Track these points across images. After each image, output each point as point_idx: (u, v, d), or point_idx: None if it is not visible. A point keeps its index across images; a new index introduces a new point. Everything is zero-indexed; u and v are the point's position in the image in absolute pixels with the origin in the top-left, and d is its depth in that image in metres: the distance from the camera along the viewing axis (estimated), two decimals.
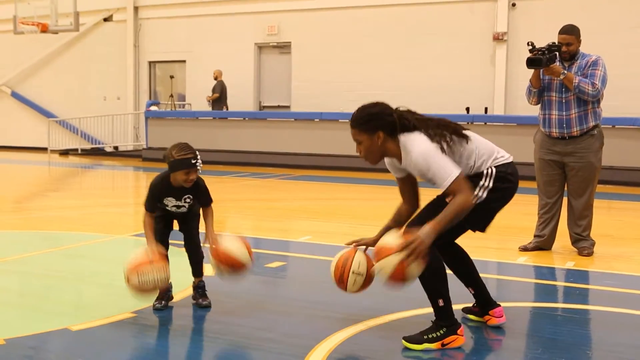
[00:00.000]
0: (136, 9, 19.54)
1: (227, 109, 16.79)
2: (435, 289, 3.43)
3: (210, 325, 3.83)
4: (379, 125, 3.40)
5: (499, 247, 6.15)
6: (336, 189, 11.57)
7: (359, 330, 3.73)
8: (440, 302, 3.43)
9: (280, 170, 14.31)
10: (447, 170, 3.29)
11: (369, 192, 10.99)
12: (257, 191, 11.05)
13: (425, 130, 3.42)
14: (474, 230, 3.65)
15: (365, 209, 8.95)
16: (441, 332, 3.43)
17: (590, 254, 5.81)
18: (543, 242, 5.97)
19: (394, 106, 3.53)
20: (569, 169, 5.78)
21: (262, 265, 5.43)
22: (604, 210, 8.21)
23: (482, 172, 3.49)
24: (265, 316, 3.98)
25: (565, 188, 5.93)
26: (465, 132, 3.53)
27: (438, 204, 3.46)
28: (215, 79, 16.95)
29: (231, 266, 3.89)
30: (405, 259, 3.21)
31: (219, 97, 16.78)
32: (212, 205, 4.16)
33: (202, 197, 4.11)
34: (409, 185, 3.71)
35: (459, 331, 3.46)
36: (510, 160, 3.58)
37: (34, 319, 3.93)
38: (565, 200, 5.95)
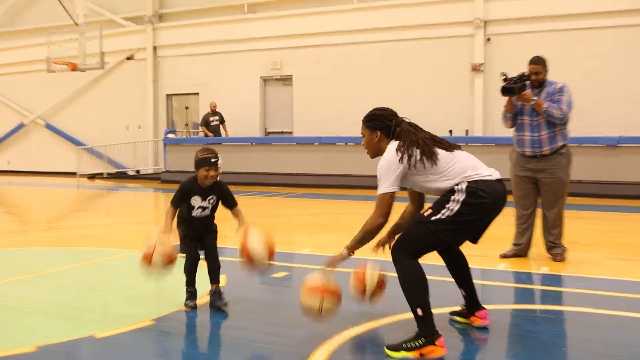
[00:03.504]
0: (155, 48, 19.62)
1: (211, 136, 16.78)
2: (414, 298, 3.30)
3: (224, 330, 3.79)
4: (378, 125, 3.57)
5: (482, 254, 6.11)
6: (335, 205, 11.54)
7: (359, 332, 3.68)
8: (419, 312, 3.28)
9: (284, 189, 14.28)
10: (384, 184, 3.39)
11: (363, 207, 10.89)
12: (264, 208, 11.01)
13: (402, 142, 3.46)
14: (453, 245, 3.55)
15: (359, 223, 8.88)
16: (420, 341, 3.27)
17: (562, 260, 5.78)
18: (521, 250, 5.94)
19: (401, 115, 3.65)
20: (542, 184, 5.76)
21: (269, 275, 5.39)
22: (573, 220, 8.17)
23: (453, 186, 3.39)
24: (273, 321, 3.94)
25: (539, 201, 5.90)
26: (438, 152, 3.44)
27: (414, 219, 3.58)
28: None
29: (249, 263, 3.94)
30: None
31: (207, 128, 16.79)
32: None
33: (226, 198, 4.26)
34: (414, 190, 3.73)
35: (437, 342, 3.27)
36: (486, 177, 3.42)
37: (64, 327, 3.89)
38: (539, 211, 5.92)
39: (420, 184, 3.50)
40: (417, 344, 3.27)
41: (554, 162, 5.70)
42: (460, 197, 3.36)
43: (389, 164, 3.42)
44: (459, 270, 3.80)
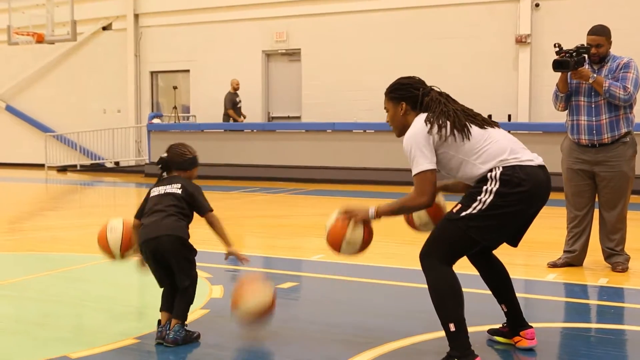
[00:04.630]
0: (137, 16, 19.69)
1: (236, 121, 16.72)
2: (445, 312, 3.34)
3: (218, 351, 3.81)
4: (403, 96, 3.64)
5: (526, 263, 6.11)
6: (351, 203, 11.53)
7: (377, 354, 3.70)
8: (452, 327, 3.31)
9: (291, 184, 14.32)
10: (419, 162, 3.45)
11: None
12: (266, 207, 11.05)
13: (431, 114, 3.52)
14: (488, 245, 3.56)
15: (381, 224, 8.90)
16: None
17: (624, 270, 5.76)
18: (573, 258, 5.93)
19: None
20: (600, 179, 5.75)
21: (274, 286, 5.42)
22: (638, 223, 8.13)
23: (486, 174, 3.43)
24: (278, 340, 3.96)
25: (596, 199, 5.88)
26: (472, 129, 3.50)
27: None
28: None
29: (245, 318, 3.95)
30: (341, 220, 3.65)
31: (234, 110, 16.61)
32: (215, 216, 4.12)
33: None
34: None
35: None
36: (526, 162, 3.44)
37: (31, 346, 3.93)
38: (596, 212, 5.90)
39: (450, 165, 3.54)
40: None
41: (616, 153, 5.68)
42: (493, 186, 3.38)
43: (417, 137, 3.47)
44: (498, 281, 3.79)
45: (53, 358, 3.66)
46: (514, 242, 3.65)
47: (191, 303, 3.95)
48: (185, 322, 3.93)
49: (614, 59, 5.73)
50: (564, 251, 5.98)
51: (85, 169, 19.53)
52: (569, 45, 5.82)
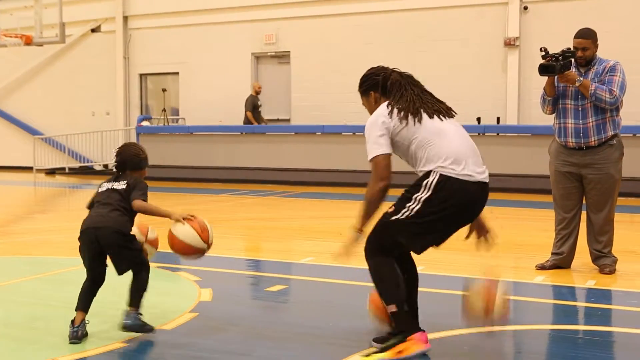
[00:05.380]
0: (125, 18, 19.65)
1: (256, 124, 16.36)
2: (384, 295, 3.56)
3: (207, 354, 3.82)
4: (370, 85, 3.78)
5: (515, 265, 6.14)
6: (340, 206, 11.57)
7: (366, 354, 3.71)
8: (393, 308, 3.51)
9: (280, 187, 14.31)
10: (375, 147, 3.56)
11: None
12: (256, 210, 11.05)
13: (392, 98, 3.62)
14: (410, 249, 3.65)
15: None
16: (395, 340, 3.52)
17: (612, 272, 5.80)
18: (561, 260, 5.96)
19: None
20: (587, 181, 5.78)
21: (262, 289, 5.43)
22: (626, 225, 8.19)
23: (426, 176, 3.50)
24: (266, 344, 3.97)
25: (584, 202, 5.92)
26: (425, 119, 3.56)
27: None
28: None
29: (185, 254, 4.08)
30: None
31: (252, 115, 16.30)
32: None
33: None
34: None
35: (415, 336, 3.48)
36: (463, 177, 3.46)
37: (19, 350, 3.92)
38: (584, 214, 5.94)
39: (407, 152, 3.60)
40: (391, 342, 3.52)
41: (603, 156, 5.71)
42: (425, 193, 3.47)
43: (375, 120, 3.58)
44: (411, 286, 3.76)
45: None
46: (437, 244, 3.66)
47: (144, 290, 4.09)
48: (140, 311, 4.05)
49: (600, 62, 5.77)
50: (552, 253, 6.01)
51: (74, 171, 19.46)
52: (556, 48, 5.85)
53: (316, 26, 17.18)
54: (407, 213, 3.49)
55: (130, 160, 4.27)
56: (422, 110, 3.58)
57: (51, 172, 19.47)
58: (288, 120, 17.62)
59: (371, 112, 3.76)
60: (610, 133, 5.70)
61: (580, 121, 5.70)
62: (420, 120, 3.55)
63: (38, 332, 4.29)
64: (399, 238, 3.55)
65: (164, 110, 18.31)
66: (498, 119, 15.33)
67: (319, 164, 14.71)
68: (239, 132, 16.03)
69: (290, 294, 5.40)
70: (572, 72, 5.68)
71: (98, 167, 19.57)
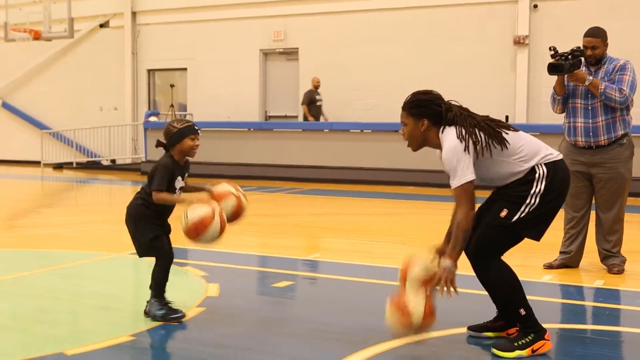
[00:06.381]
0: (134, 14, 19.67)
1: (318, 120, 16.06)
2: (514, 301, 3.70)
3: (214, 349, 3.82)
4: (426, 112, 3.71)
5: (522, 264, 6.12)
6: (347, 203, 11.56)
7: (373, 353, 3.72)
8: (522, 312, 3.67)
9: (287, 183, 14.32)
10: (459, 173, 3.56)
11: (381, 206, 10.97)
12: (262, 206, 11.05)
13: (460, 126, 3.63)
14: (538, 240, 3.79)
15: (378, 225, 8.94)
16: (530, 338, 3.66)
17: (620, 272, 5.78)
18: (569, 259, 5.95)
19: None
20: (597, 180, 5.76)
21: (269, 285, 5.44)
22: (635, 225, 8.16)
23: (531, 173, 3.63)
24: (273, 340, 3.98)
25: (593, 201, 5.90)
26: (507, 134, 3.68)
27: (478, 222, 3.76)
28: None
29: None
30: (430, 294, 3.59)
31: (309, 109, 16.00)
32: None
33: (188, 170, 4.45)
34: None
35: (546, 336, 3.69)
36: (558, 158, 3.73)
37: (27, 343, 3.94)
38: (593, 214, 5.93)
39: (492, 170, 3.70)
40: (528, 340, 3.66)
41: (613, 155, 5.70)
42: (540, 185, 3.62)
43: (456, 153, 3.57)
44: None
45: (49, 355, 3.67)
46: (541, 236, 3.83)
47: (159, 279, 4.23)
48: (162, 300, 4.21)
49: (610, 61, 5.75)
50: (560, 252, 6.00)
51: (81, 166, 19.50)
52: (566, 47, 5.83)
53: (325, 23, 17.16)
54: (527, 209, 3.62)
55: (165, 139, 4.30)
56: (502, 131, 3.68)
57: (59, 166, 19.52)
58: (296, 117, 17.61)
59: (413, 135, 3.75)
60: (620, 132, 5.69)
61: (590, 120, 5.69)
62: (506, 143, 3.64)
63: (45, 325, 4.30)
64: (524, 234, 3.71)
65: (172, 105, 18.32)
66: (507, 117, 15.27)
67: (326, 161, 14.70)
68: (246, 129, 16.03)
69: (297, 290, 5.40)
70: (581, 71, 5.66)
71: (105, 162, 19.61)
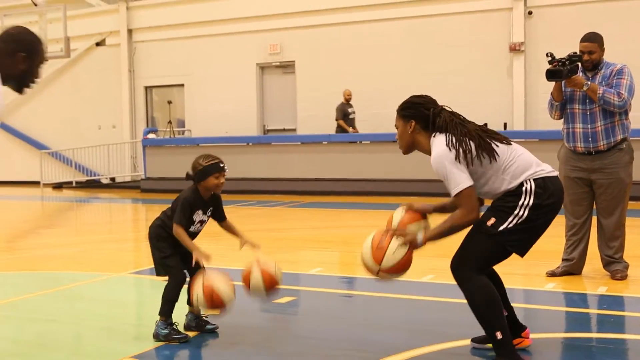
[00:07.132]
0: (130, 31, 19.72)
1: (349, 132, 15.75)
2: (490, 321, 3.52)
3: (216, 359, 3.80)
4: (414, 115, 3.72)
5: (525, 272, 6.10)
6: (348, 215, 11.54)
7: None
8: (499, 335, 3.48)
9: (287, 197, 14.31)
10: (457, 180, 3.51)
11: (383, 218, 10.90)
12: (263, 221, 11.03)
13: (451, 134, 3.59)
14: (522, 255, 3.69)
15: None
16: None
17: (624, 278, 5.76)
18: (572, 266, 5.92)
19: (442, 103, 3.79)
20: (597, 186, 5.75)
21: (271, 300, 5.40)
22: (637, 229, 8.14)
23: (520, 188, 3.55)
24: (275, 355, 3.95)
25: (594, 207, 5.88)
26: (498, 146, 3.61)
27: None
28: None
29: (213, 305, 4.09)
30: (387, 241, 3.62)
31: (345, 122, 15.71)
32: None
33: (220, 208, 4.50)
34: None
35: None
36: (550, 174, 3.64)
37: None
38: (594, 220, 5.91)
39: (481, 182, 3.61)
40: None
41: (612, 160, 5.68)
42: (528, 200, 3.53)
43: (442, 161, 3.53)
44: (499, 290, 3.83)
45: None
46: (525, 253, 3.73)
47: (168, 299, 4.24)
48: (167, 319, 4.19)
49: (607, 66, 5.75)
50: (563, 259, 5.98)
51: (81, 185, 19.50)
52: (562, 52, 5.83)
53: (320, 35, 17.20)
54: (515, 220, 3.53)
55: (192, 171, 4.35)
56: (493, 143, 3.62)
57: (58, 186, 19.51)
58: (294, 130, 17.63)
59: (402, 137, 3.76)
60: (619, 137, 5.67)
61: (589, 125, 5.68)
62: (496, 156, 3.57)
63: (47, 348, 4.27)
64: (508, 246, 3.57)
65: (170, 122, 18.35)
66: (505, 124, 15.31)
67: (325, 173, 14.70)
68: (245, 143, 16.04)
69: (299, 305, 5.37)
70: (579, 77, 5.65)
71: (105, 181, 19.60)
